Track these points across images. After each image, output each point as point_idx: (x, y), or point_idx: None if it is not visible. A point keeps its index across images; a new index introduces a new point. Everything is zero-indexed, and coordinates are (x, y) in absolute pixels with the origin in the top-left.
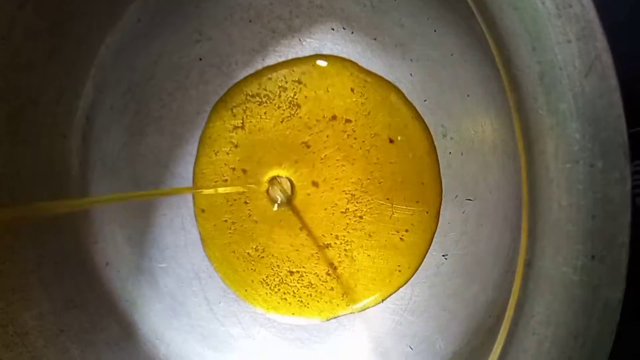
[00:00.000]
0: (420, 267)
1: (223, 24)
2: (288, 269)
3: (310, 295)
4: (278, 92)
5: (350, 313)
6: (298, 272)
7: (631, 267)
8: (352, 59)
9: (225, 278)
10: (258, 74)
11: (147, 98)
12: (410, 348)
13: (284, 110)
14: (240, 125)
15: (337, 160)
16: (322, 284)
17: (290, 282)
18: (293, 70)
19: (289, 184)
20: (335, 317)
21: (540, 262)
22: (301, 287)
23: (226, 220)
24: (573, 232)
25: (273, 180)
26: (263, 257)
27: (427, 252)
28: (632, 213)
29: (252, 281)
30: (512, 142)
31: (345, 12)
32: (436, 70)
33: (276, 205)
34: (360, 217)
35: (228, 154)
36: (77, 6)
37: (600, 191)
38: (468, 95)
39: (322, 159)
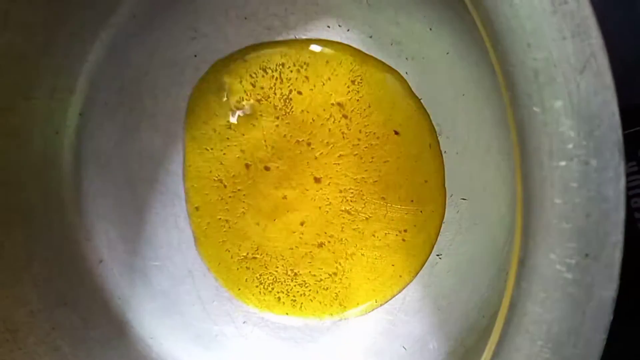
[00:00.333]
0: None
1: (218, 21)
2: (282, 268)
3: (304, 294)
4: (273, 88)
5: (344, 313)
6: (292, 271)
7: (626, 266)
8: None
9: (218, 277)
10: (253, 71)
11: (142, 94)
12: (404, 348)
13: (279, 107)
14: (235, 122)
15: (333, 158)
16: (316, 284)
17: (284, 281)
18: (289, 67)
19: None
20: (329, 317)
21: (534, 261)
22: (295, 286)
23: (220, 219)
24: (567, 230)
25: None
26: (257, 256)
27: (425, 252)
28: (626, 213)
29: (246, 280)
30: (507, 141)
31: (341, 9)
32: (431, 68)
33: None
34: (355, 216)
35: (223, 152)
36: (71, 1)
37: (595, 189)
38: (463, 94)
39: (316, 157)
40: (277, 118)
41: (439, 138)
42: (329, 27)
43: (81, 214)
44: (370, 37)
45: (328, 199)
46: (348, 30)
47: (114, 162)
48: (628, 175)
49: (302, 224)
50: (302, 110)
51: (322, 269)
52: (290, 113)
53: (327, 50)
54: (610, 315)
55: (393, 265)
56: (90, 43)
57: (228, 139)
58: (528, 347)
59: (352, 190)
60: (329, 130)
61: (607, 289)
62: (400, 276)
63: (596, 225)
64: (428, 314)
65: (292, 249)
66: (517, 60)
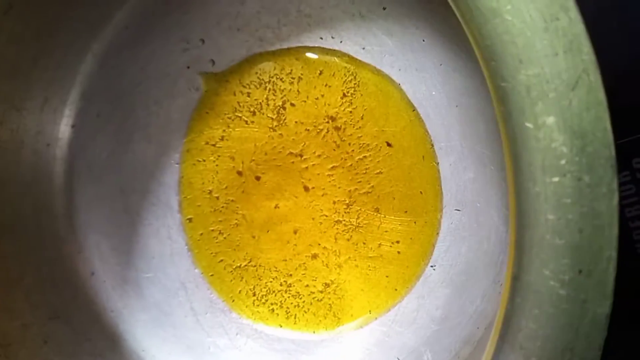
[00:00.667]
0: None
1: (211, 32)
2: (276, 279)
3: (298, 305)
4: (266, 100)
5: (339, 327)
6: (286, 282)
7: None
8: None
9: (212, 288)
10: (246, 82)
11: (134, 106)
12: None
13: (272, 118)
14: (227, 133)
15: (326, 169)
16: (309, 295)
17: (278, 292)
18: (282, 79)
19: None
20: (323, 331)
21: (528, 276)
22: (289, 297)
23: (213, 230)
24: (560, 246)
25: None
26: (250, 267)
27: (419, 263)
28: (620, 225)
29: (239, 291)
30: (500, 153)
31: (333, 21)
32: (424, 80)
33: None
34: (349, 228)
35: (216, 163)
36: (63, 12)
37: (588, 205)
38: (457, 106)
39: (309, 168)
40: (270, 129)
41: (432, 149)
42: (321, 38)
43: (73, 226)
44: (363, 48)
45: (321, 210)
46: (341, 41)
47: (106, 174)
48: (621, 184)
49: (295, 232)
50: (295, 122)
51: (316, 280)
52: (284, 124)
53: (320, 62)
54: (605, 332)
55: (387, 276)
56: (82, 55)
57: (221, 150)
58: None
59: (345, 202)
60: (322, 141)
61: (601, 306)
62: (395, 288)
63: (589, 241)
64: (422, 325)
65: (285, 260)
66: (509, 76)
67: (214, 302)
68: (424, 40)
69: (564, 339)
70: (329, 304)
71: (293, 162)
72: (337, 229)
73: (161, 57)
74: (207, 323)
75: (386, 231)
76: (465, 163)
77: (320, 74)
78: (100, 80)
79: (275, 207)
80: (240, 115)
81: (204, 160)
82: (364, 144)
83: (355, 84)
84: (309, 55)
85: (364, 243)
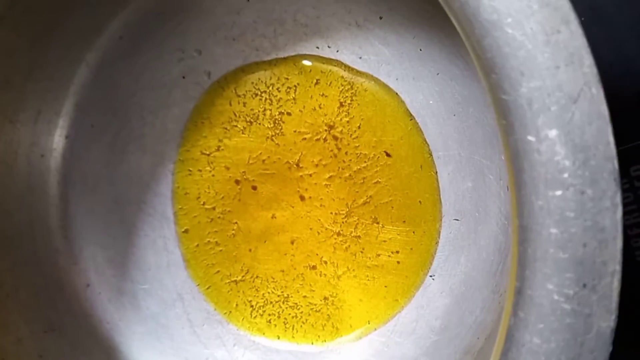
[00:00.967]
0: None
1: (206, 42)
2: (273, 291)
3: (296, 317)
4: (263, 109)
5: (337, 339)
6: (283, 293)
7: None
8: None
9: (209, 299)
10: (242, 92)
11: (129, 116)
12: None
13: (268, 128)
14: (223, 143)
15: (323, 179)
16: (307, 306)
17: (275, 303)
18: (278, 88)
19: None
20: (322, 344)
21: (531, 291)
22: (286, 308)
23: (209, 241)
24: (564, 261)
25: None
26: (247, 278)
27: (419, 273)
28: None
29: (237, 303)
30: (498, 163)
31: (330, 30)
32: (422, 89)
33: None
34: (347, 238)
35: (212, 173)
36: (56, 23)
37: (591, 219)
38: (454, 115)
39: (306, 178)
40: (267, 139)
41: (430, 158)
42: (318, 48)
43: (68, 238)
44: (360, 57)
45: (319, 220)
46: (337, 51)
47: (101, 185)
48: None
49: (292, 242)
50: (292, 131)
51: (314, 290)
52: (280, 134)
53: (317, 71)
54: (610, 346)
55: (386, 286)
56: (76, 65)
57: (217, 160)
58: None
59: (342, 212)
60: (319, 151)
61: (606, 320)
62: (394, 299)
63: (593, 255)
64: (421, 335)
65: (283, 271)
66: (510, 89)
67: (211, 314)
68: (420, 50)
69: (569, 354)
70: (328, 315)
71: (290, 172)
72: (335, 239)
73: (156, 67)
74: (204, 335)
75: (385, 241)
76: (463, 172)
77: (316, 83)
78: (94, 91)
79: (272, 218)
80: (236, 125)
81: (200, 171)
82: (361, 153)
83: (352, 93)
84: (305, 64)
85: (363, 253)
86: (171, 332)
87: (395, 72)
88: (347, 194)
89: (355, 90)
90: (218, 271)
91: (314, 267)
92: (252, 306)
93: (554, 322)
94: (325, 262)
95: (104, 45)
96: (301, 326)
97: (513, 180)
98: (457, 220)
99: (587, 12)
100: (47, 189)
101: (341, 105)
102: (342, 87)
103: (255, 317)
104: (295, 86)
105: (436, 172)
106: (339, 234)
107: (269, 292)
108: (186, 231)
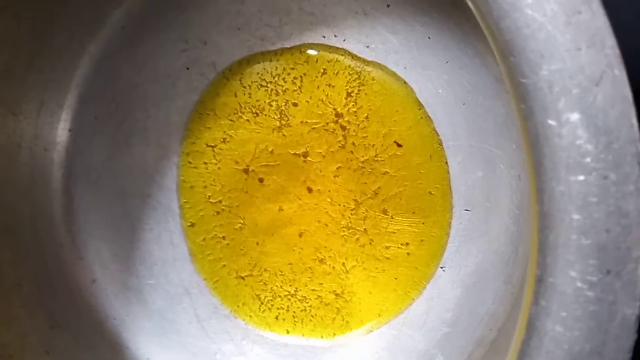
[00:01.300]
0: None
1: (210, 32)
2: (281, 284)
3: (305, 310)
4: (269, 100)
5: (348, 333)
6: (291, 287)
7: None
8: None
9: (216, 294)
10: (247, 83)
11: (132, 108)
12: None
13: (274, 119)
14: (229, 135)
15: (331, 170)
16: (317, 299)
17: (284, 297)
18: (284, 78)
19: None
20: (331, 337)
21: (552, 278)
22: (295, 302)
23: (216, 235)
24: (586, 247)
25: None
26: (255, 271)
27: (429, 265)
28: None
29: (244, 296)
30: (510, 150)
31: (336, 19)
32: (430, 78)
33: None
34: (355, 230)
35: (218, 166)
36: (58, 13)
37: (614, 204)
38: (464, 104)
39: (314, 169)
40: (274, 130)
41: (440, 148)
42: (324, 37)
43: (72, 232)
44: (367, 46)
45: (327, 212)
46: (344, 40)
47: (105, 178)
48: None
49: (300, 235)
50: (299, 122)
51: (322, 284)
52: (287, 125)
53: (324, 61)
54: (635, 334)
55: (396, 278)
56: (78, 56)
57: (222, 153)
58: None
59: (351, 203)
60: (326, 142)
61: (630, 307)
62: (405, 291)
63: (617, 240)
64: (432, 327)
65: (291, 264)
66: (530, 72)
67: (219, 308)
68: (429, 38)
69: (592, 342)
70: (337, 308)
71: (297, 164)
72: (344, 231)
73: (159, 58)
74: (212, 329)
75: (394, 233)
76: (473, 162)
77: (323, 73)
78: (97, 83)
79: (279, 210)
80: (241, 116)
81: (205, 163)
82: (369, 144)
83: (359, 83)
84: (312, 54)
85: (372, 245)
86: (178, 327)
87: (403, 61)
88: (356, 185)
89: (363, 80)
90: (225, 265)
91: (322, 260)
92: (260, 300)
93: (577, 309)
94: (334, 255)
95: (106, 35)
96: (310, 320)
97: (532, 166)
98: (468, 210)
99: None
100: (50, 182)
101: (348, 95)
102: (350, 77)
103: (263, 311)
104: (301, 76)
105: (446, 162)
106: (347, 226)
107: (277, 286)
108: (192, 225)
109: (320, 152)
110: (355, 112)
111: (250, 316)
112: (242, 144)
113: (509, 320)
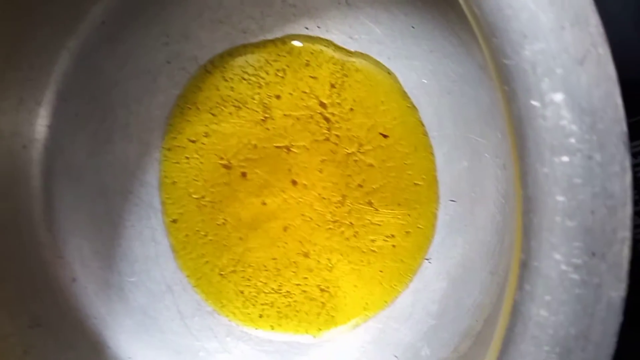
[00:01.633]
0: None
1: (191, 26)
2: (265, 279)
3: (289, 305)
4: (252, 93)
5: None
6: (276, 282)
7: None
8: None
9: (199, 290)
10: (230, 76)
11: (113, 104)
12: (396, 357)
13: (257, 112)
14: (211, 129)
15: (315, 163)
16: (301, 294)
17: (268, 293)
18: (267, 71)
19: None
20: (317, 332)
21: (537, 262)
22: (279, 297)
23: (199, 230)
24: (571, 229)
25: None
26: (239, 267)
27: (415, 257)
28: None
29: (228, 293)
30: (495, 140)
31: (319, 10)
32: (415, 68)
33: None
34: (340, 223)
35: (200, 161)
36: (36, 8)
37: (600, 185)
38: (448, 93)
39: (298, 162)
40: (257, 124)
41: (425, 139)
42: (307, 28)
43: (52, 230)
44: (351, 37)
45: (311, 205)
46: (327, 31)
47: (85, 176)
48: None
49: (285, 229)
50: (282, 115)
51: (307, 278)
52: (270, 118)
53: (307, 52)
54: (620, 316)
55: (381, 271)
56: (57, 52)
57: (205, 147)
58: (534, 353)
59: (336, 196)
60: (310, 134)
61: (616, 289)
62: (390, 284)
63: (602, 222)
64: (419, 320)
65: (275, 259)
66: (512, 53)
67: (202, 305)
68: (413, 27)
69: (578, 326)
70: (322, 302)
71: (280, 157)
72: (329, 224)
73: (140, 52)
74: (195, 326)
75: (379, 225)
76: (459, 152)
77: (306, 64)
78: (76, 79)
79: (263, 204)
80: (224, 110)
81: (187, 158)
82: (354, 135)
83: (343, 74)
84: (295, 45)
85: (357, 238)
86: (161, 325)
87: (387, 52)
88: (340, 178)
89: (347, 71)
90: (208, 261)
91: (307, 254)
92: (244, 296)
93: (562, 293)
94: (319, 249)
95: (85, 31)
96: (295, 315)
97: (516, 149)
98: (454, 201)
99: None
100: (29, 180)
101: (332, 86)
102: (333, 68)
103: (247, 307)
104: (284, 68)
105: (432, 152)
106: (332, 219)
107: (261, 282)
108: (174, 221)
109: (304, 145)
110: (339, 103)
111: (234, 313)
112: (224, 138)
113: (495, 311)
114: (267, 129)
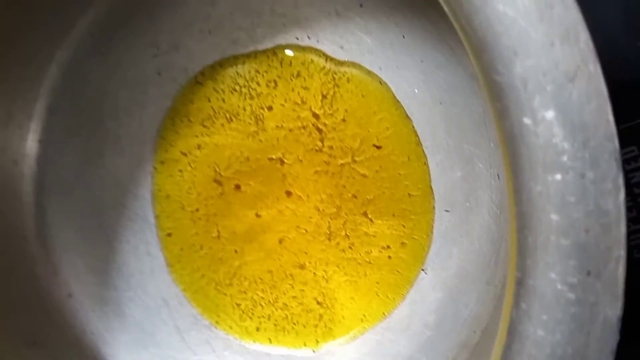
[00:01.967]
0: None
1: (181, 36)
2: (262, 292)
3: (286, 318)
4: (243, 105)
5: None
6: (272, 294)
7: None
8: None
9: (195, 304)
10: (221, 87)
11: (104, 117)
12: None
13: (249, 124)
14: (203, 142)
15: (308, 174)
16: (298, 306)
17: (265, 305)
18: (258, 82)
19: None
20: (314, 345)
21: (532, 281)
22: (276, 310)
23: (193, 244)
24: (566, 247)
25: None
26: (235, 280)
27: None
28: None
29: (224, 306)
30: (489, 149)
31: (309, 20)
32: (406, 77)
33: None
34: (336, 234)
35: (193, 174)
36: (24, 22)
37: (593, 203)
38: (440, 103)
39: (291, 174)
40: (249, 135)
41: (418, 149)
42: (297, 38)
43: (46, 246)
44: (342, 47)
45: (306, 217)
46: (318, 41)
47: (78, 190)
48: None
49: (280, 242)
50: (274, 127)
51: (303, 290)
52: (262, 130)
53: (297, 63)
54: (617, 335)
55: (378, 282)
56: (46, 65)
57: (198, 160)
58: None
59: (330, 207)
60: (303, 145)
61: (612, 308)
62: (387, 295)
63: (596, 240)
64: (416, 331)
65: (271, 271)
66: (503, 69)
67: (199, 319)
68: (404, 37)
69: (575, 345)
70: (319, 315)
71: (274, 169)
72: (324, 236)
73: (129, 64)
74: (193, 340)
75: (374, 236)
76: (452, 162)
77: (297, 75)
78: (66, 92)
79: (257, 216)
80: (215, 122)
81: (180, 171)
82: (347, 146)
83: (334, 84)
84: (286, 55)
85: (352, 249)
86: (158, 340)
87: (378, 61)
88: (335, 189)
89: (338, 81)
90: (203, 275)
91: (303, 266)
92: (241, 309)
93: (558, 312)
94: (315, 261)
95: (74, 43)
96: (292, 327)
97: (509, 166)
98: (448, 211)
99: None
100: (21, 196)
101: (324, 97)
102: (325, 78)
103: (244, 320)
104: (275, 79)
105: (425, 162)
106: (327, 230)
107: (257, 294)
108: (169, 235)
109: (297, 156)
110: (331, 114)
111: (231, 326)
112: (217, 150)
113: (492, 322)
114: (260, 140)
